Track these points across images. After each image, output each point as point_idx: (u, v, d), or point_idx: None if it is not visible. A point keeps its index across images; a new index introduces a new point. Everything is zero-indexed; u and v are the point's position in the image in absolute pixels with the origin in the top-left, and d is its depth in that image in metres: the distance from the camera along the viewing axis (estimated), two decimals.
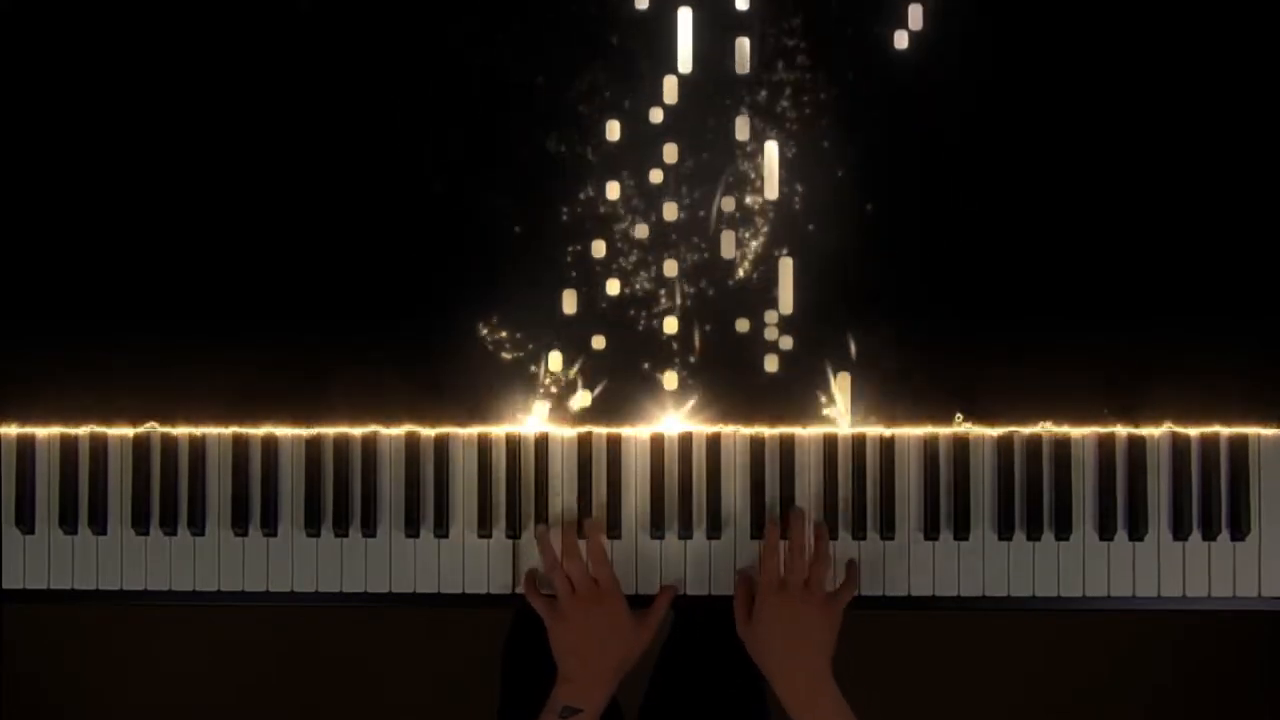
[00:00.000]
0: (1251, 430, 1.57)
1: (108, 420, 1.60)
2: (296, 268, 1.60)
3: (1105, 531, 1.57)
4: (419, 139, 1.59)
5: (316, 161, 1.60)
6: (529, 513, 1.59)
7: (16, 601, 1.61)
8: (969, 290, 1.58)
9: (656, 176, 1.59)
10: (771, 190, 1.58)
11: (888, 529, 1.57)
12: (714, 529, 1.58)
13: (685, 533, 1.58)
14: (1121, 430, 1.57)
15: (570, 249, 1.58)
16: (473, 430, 1.59)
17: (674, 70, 1.59)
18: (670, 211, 1.59)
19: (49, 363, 1.61)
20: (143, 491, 1.60)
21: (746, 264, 1.57)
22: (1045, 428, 1.57)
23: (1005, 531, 1.57)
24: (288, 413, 1.59)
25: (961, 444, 1.57)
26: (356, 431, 1.60)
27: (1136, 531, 1.57)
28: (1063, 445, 1.57)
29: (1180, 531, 1.57)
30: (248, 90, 1.60)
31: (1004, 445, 1.57)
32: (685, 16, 1.59)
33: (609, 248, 1.58)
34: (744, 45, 1.58)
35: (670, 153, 1.59)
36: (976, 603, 1.58)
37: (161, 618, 2.44)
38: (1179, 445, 1.57)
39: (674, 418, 1.59)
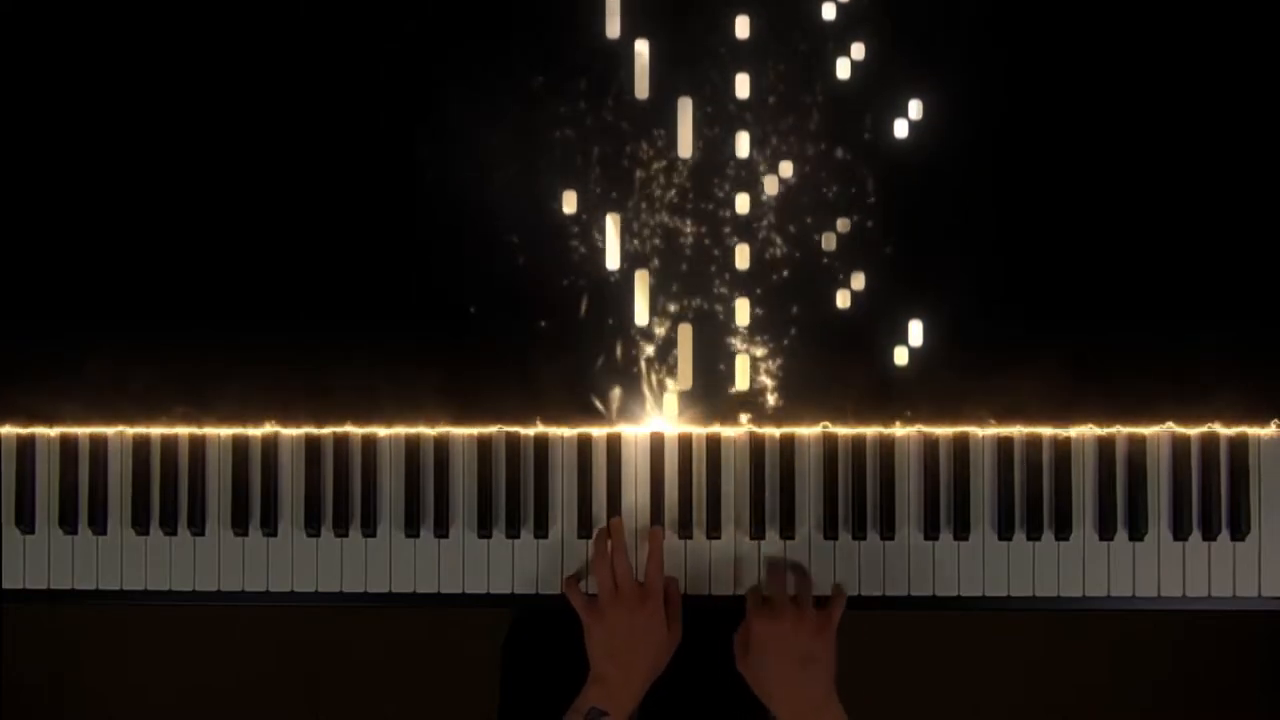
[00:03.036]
0: (1251, 430, 1.57)
1: (108, 420, 1.60)
2: (297, 268, 1.59)
3: (1105, 531, 1.57)
4: (421, 142, 1.59)
5: (317, 162, 1.59)
6: (529, 513, 1.59)
7: (16, 601, 1.61)
8: (968, 289, 1.58)
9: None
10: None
11: (888, 529, 1.57)
12: (714, 529, 1.58)
13: (685, 533, 1.58)
14: (1121, 430, 1.57)
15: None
16: (473, 430, 1.59)
17: (673, 388, 1.59)
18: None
19: (49, 363, 1.60)
20: (143, 491, 1.60)
21: None
22: (1045, 428, 1.57)
23: (1005, 531, 1.57)
24: (288, 413, 1.60)
25: (961, 444, 1.57)
26: (356, 431, 1.59)
27: (1136, 531, 1.57)
28: (1063, 445, 1.57)
29: (1180, 531, 1.57)
30: (248, 89, 1.60)
31: (1004, 445, 1.57)
32: (686, 333, 1.58)
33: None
34: (743, 363, 1.58)
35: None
36: (976, 603, 1.58)
37: (161, 618, 2.43)
38: (1179, 445, 1.57)
39: (673, 418, 1.59)
